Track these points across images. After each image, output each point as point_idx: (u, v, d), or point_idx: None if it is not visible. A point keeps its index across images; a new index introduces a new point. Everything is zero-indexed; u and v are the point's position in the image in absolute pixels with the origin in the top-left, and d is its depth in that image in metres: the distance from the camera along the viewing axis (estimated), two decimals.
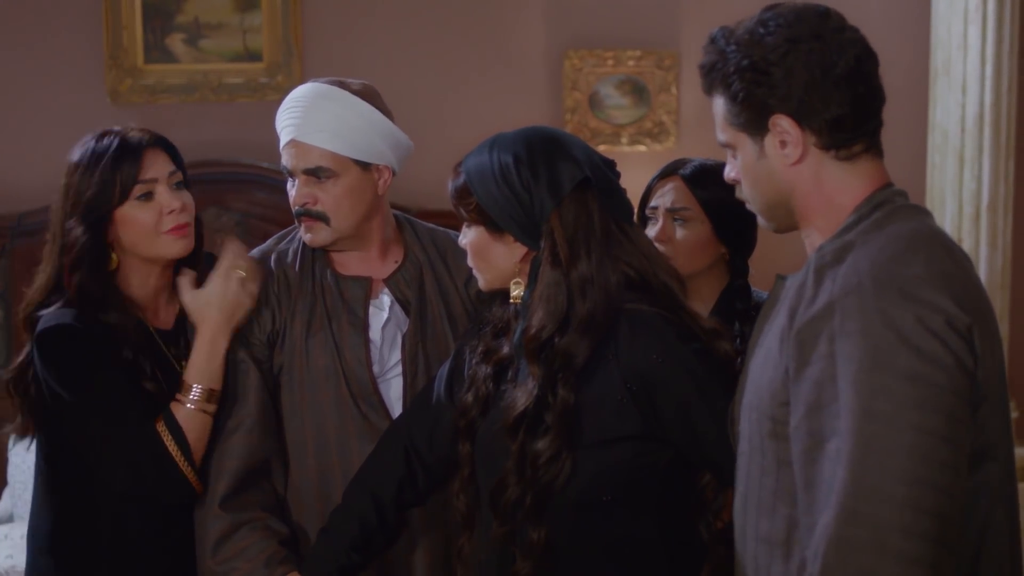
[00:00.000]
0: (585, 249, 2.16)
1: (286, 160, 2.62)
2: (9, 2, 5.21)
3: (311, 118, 2.58)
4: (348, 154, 2.60)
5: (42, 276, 2.60)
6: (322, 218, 2.60)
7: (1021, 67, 5.08)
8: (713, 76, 1.93)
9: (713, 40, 1.93)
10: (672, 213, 2.70)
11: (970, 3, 4.90)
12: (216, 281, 2.56)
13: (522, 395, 2.16)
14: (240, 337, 2.58)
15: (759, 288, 2.81)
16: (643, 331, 2.14)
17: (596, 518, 2.16)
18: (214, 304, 2.55)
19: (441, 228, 2.80)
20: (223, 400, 2.56)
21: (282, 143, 2.63)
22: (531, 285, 2.20)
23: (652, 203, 2.73)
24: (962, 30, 4.93)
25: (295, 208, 2.62)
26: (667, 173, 2.76)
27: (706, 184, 2.70)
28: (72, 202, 2.55)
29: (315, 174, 2.59)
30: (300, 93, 2.64)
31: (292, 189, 2.64)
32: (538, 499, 2.13)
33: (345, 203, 2.61)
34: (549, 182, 2.16)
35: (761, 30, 1.88)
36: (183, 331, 2.65)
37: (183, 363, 2.59)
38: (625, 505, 2.15)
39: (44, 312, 2.54)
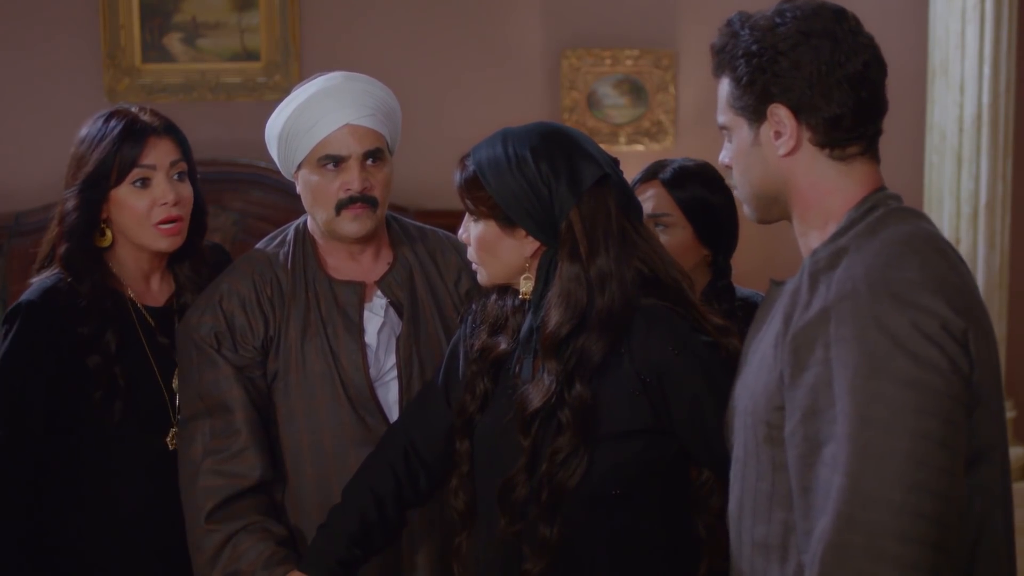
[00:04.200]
0: (604, 245, 2.15)
1: (338, 146, 2.51)
2: (7, 2, 5.20)
3: (362, 101, 2.54)
4: (389, 139, 2.59)
5: (46, 239, 2.64)
6: (374, 204, 2.55)
7: (1019, 67, 5.08)
8: (723, 57, 1.94)
9: (730, 23, 1.95)
10: (653, 219, 2.69)
11: (968, 3, 4.90)
12: None
13: (537, 392, 2.15)
14: (226, 350, 2.54)
15: (755, 288, 2.81)
16: (658, 325, 2.15)
17: (604, 512, 2.16)
18: None
19: (428, 226, 2.76)
20: (208, 419, 2.52)
21: (325, 131, 2.51)
22: (542, 281, 2.20)
23: None
24: (960, 30, 4.93)
25: (349, 195, 2.52)
26: (646, 178, 2.75)
27: (685, 186, 2.69)
28: (72, 173, 2.58)
29: (373, 156, 2.54)
30: (333, 82, 2.56)
31: (332, 178, 2.52)
32: (553, 496, 2.13)
33: (388, 189, 2.58)
34: (569, 177, 2.15)
35: (777, 19, 1.89)
36: (176, 310, 2.65)
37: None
38: (632, 499, 2.16)
39: (36, 278, 2.59)
